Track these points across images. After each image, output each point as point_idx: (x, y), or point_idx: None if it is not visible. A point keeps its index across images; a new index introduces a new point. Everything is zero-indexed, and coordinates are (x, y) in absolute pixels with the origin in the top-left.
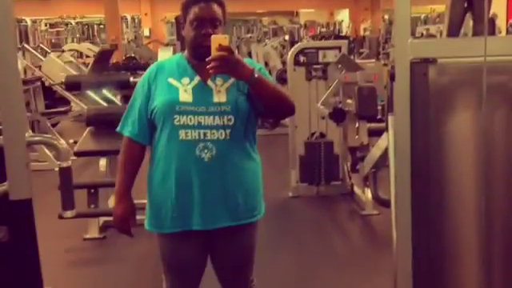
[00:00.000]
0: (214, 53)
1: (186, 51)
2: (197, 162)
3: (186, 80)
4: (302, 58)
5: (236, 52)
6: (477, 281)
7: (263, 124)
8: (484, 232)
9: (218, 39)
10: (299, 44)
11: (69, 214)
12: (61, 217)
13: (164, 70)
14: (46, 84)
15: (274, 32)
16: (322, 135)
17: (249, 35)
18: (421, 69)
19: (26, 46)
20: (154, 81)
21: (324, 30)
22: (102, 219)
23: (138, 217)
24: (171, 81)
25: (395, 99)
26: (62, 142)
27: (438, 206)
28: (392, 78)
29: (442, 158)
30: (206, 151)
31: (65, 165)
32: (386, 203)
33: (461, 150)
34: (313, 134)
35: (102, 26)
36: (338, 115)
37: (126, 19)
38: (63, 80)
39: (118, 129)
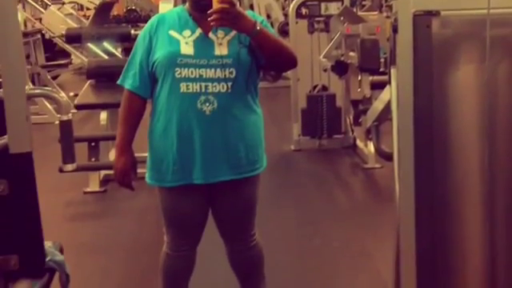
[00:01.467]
0: (216, 5)
1: (187, 3)
2: (198, 115)
3: (187, 32)
4: (303, 11)
5: (238, 4)
6: (480, 228)
7: (265, 77)
8: (487, 183)
9: None
10: None
11: (69, 167)
12: (61, 170)
13: (165, 22)
14: (47, 37)
15: None
16: (325, 88)
17: None
18: (424, 21)
19: None
20: (155, 33)
21: None
22: (103, 173)
23: (138, 170)
24: (172, 33)
25: (398, 52)
26: (63, 94)
27: (441, 158)
28: (395, 30)
29: (445, 110)
30: (207, 104)
31: (65, 118)
32: (388, 156)
33: (464, 103)
34: (315, 87)
35: None
36: (340, 68)
37: None
38: (63, 32)
39: (118, 81)
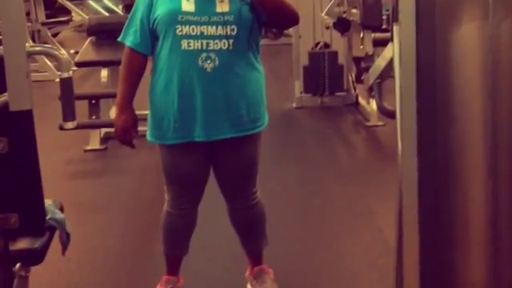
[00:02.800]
0: None
1: None
2: (199, 73)
3: None
4: None
5: None
6: (482, 185)
7: (266, 34)
8: (490, 138)
9: None
10: None
11: (70, 124)
12: (62, 128)
13: None
14: None
15: None
16: (327, 45)
17: None
18: None
19: None
20: None
21: None
22: (104, 130)
23: (139, 128)
24: None
25: (400, 8)
26: (63, 52)
27: (444, 114)
28: None
29: (448, 67)
30: (208, 61)
31: (66, 75)
32: (390, 114)
33: (467, 60)
34: (317, 44)
35: None
36: (342, 25)
37: None
38: None
39: (119, 39)
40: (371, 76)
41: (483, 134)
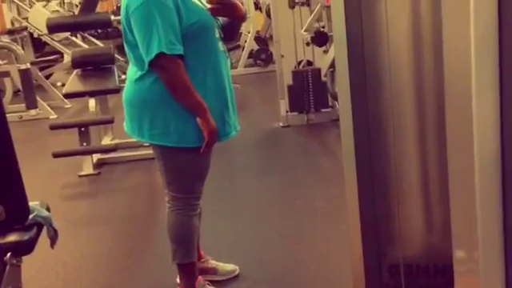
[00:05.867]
0: None
1: None
2: (228, 70)
3: None
4: None
5: None
6: (412, 143)
7: (256, 61)
8: (418, 101)
9: None
10: None
11: (33, 112)
12: (54, 155)
13: None
14: (35, 35)
15: None
16: (310, 63)
17: None
18: None
19: None
20: None
21: None
22: (96, 156)
23: (131, 153)
24: None
25: None
26: (20, 47)
27: (374, 81)
28: None
29: (375, 36)
30: (228, 62)
31: (24, 67)
32: None
33: (392, 26)
34: (300, 63)
35: None
36: (319, 38)
37: None
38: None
39: (164, 51)
40: (324, 65)
41: (411, 96)
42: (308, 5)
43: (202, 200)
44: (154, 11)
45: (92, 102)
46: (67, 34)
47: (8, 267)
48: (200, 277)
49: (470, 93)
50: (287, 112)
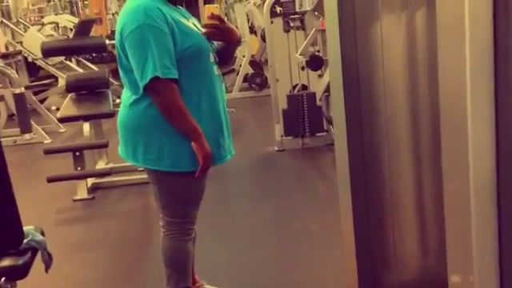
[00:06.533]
0: (206, 21)
1: None
2: (223, 94)
3: (191, 21)
4: (278, 9)
5: (225, 19)
6: (406, 166)
7: (251, 85)
8: (413, 125)
9: (211, 8)
10: None
11: (27, 136)
12: (49, 180)
13: (161, 11)
14: (29, 59)
15: None
16: (304, 87)
17: None
18: None
19: (4, 21)
20: (169, 20)
21: None
22: (91, 181)
23: (124, 177)
24: (184, 21)
25: (325, 10)
26: (14, 71)
27: (368, 106)
28: None
29: (370, 59)
30: (222, 84)
31: (18, 91)
32: None
33: (387, 48)
34: (295, 87)
35: (86, 2)
36: (314, 62)
37: None
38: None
39: (156, 74)
40: (319, 90)
41: (406, 119)
42: (303, 29)
43: (197, 224)
44: (148, 35)
45: (86, 127)
46: (62, 58)
47: None
48: None
49: (465, 117)
50: (282, 136)
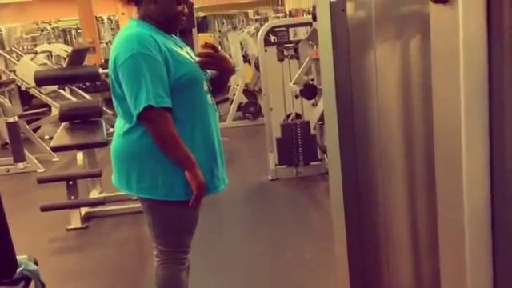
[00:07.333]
0: (201, 49)
1: (148, 23)
2: (216, 122)
3: (184, 50)
4: (272, 38)
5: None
6: (401, 196)
7: (245, 114)
8: (407, 154)
9: (204, 37)
10: (269, 23)
11: (20, 165)
12: (42, 209)
13: (155, 39)
14: (23, 88)
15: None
16: (298, 116)
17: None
18: (339, 6)
19: None
20: (163, 49)
21: (310, 16)
22: (84, 210)
23: (120, 206)
24: (178, 49)
25: (319, 39)
26: (8, 102)
27: (361, 133)
28: (314, 18)
29: (364, 87)
30: (216, 113)
31: (11, 120)
32: None
33: (381, 77)
34: (289, 116)
35: (79, 31)
36: (308, 91)
37: (103, 20)
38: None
39: (152, 104)
40: (313, 119)
41: (400, 148)
42: (297, 58)
43: (191, 254)
44: (142, 64)
45: (80, 156)
46: (55, 86)
47: None
48: None
49: (459, 145)
50: (276, 165)
